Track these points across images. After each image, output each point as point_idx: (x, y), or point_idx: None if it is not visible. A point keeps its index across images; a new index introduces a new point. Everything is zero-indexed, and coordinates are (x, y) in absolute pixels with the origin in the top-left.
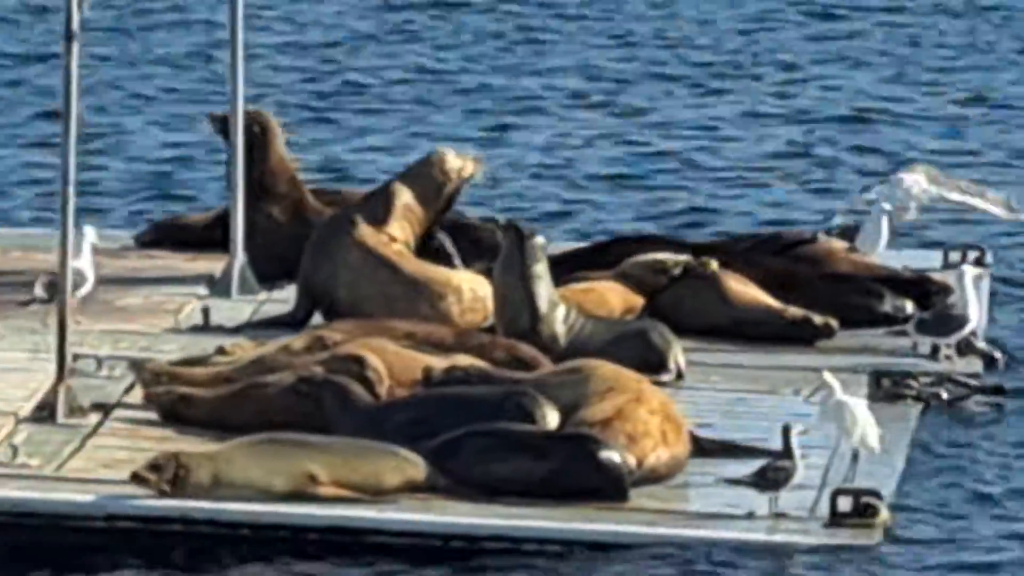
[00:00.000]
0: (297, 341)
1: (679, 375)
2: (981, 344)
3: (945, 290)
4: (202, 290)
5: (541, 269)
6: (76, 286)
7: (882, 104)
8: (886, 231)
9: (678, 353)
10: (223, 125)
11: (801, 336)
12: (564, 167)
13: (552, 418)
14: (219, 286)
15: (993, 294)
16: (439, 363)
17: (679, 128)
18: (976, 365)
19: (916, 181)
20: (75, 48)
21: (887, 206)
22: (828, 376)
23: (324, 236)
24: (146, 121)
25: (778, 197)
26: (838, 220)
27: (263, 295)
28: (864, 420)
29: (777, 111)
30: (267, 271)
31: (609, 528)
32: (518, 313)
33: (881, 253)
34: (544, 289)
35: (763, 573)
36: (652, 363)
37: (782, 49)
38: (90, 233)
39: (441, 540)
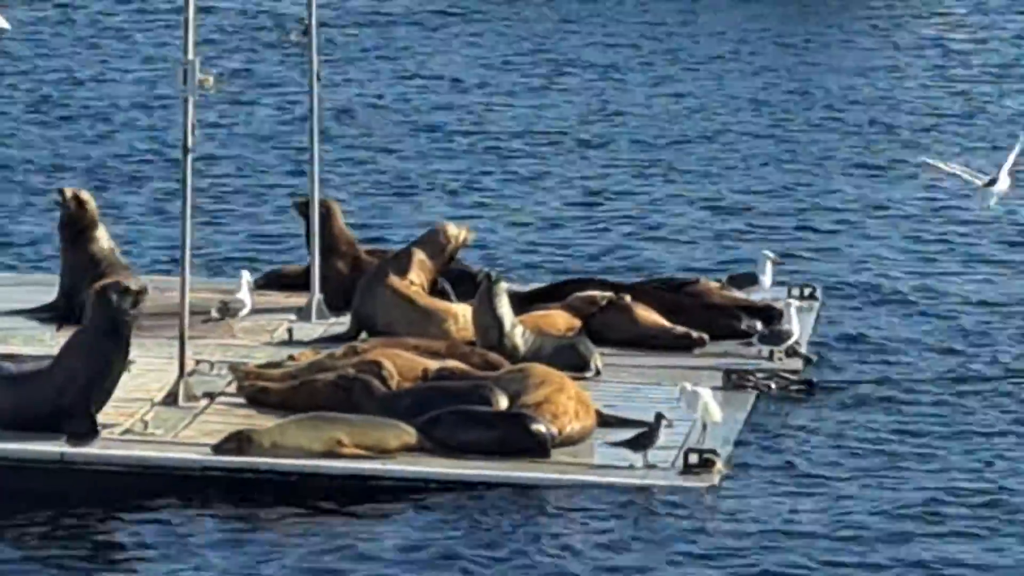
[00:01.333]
0: (339, 351)
1: (597, 372)
2: (803, 351)
3: (779, 314)
4: (292, 317)
5: (503, 301)
6: (238, 311)
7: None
8: (769, 275)
9: (597, 359)
10: (303, 208)
11: (683, 346)
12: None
13: (504, 402)
14: (303, 314)
15: (818, 317)
16: (434, 365)
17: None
18: (798, 364)
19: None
20: (189, 159)
21: (769, 254)
22: (685, 383)
23: (367, 281)
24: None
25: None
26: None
27: (332, 320)
28: (709, 402)
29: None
30: (335, 305)
31: (535, 475)
32: (490, 332)
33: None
34: (507, 316)
35: (639, 505)
36: (580, 365)
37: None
38: (246, 274)
39: (424, 483)
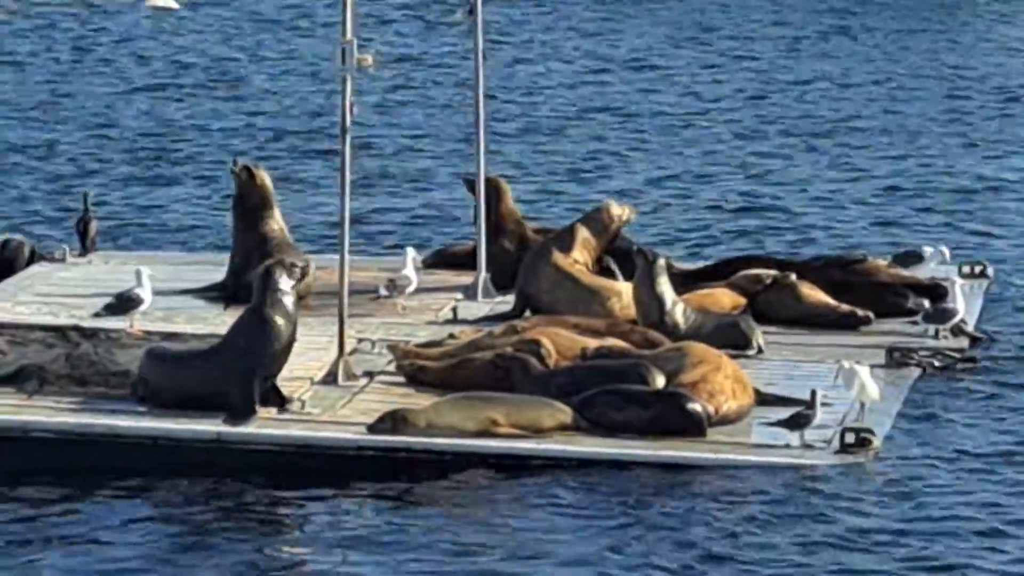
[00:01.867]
0: (498, 329)
1: (759, 351)
2: (969, 329)
3: (945, 292)
4: (458, 295)
5: (664, 279)
6: (404, 288)
7: None
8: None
9: (759, 336)
10: (471, 187)
11: (849, 324)
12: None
13: (660, 381)
14: (469, 293)
15: (989, 294)
16: (593, 344)
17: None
18: (964, 343)
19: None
20: (348, 137)
21: (944, 250)
22: (843, 361)
23: (531, 260)
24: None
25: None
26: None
27: (498, 298)
28: (867, 381)
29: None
30: (503, 283)
31: (690, 454)
32: (650, 310)
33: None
34: (668, 293)
35: (795, 483)
36: (741, 344)
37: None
38: (411, 251)
39: (578, 463)
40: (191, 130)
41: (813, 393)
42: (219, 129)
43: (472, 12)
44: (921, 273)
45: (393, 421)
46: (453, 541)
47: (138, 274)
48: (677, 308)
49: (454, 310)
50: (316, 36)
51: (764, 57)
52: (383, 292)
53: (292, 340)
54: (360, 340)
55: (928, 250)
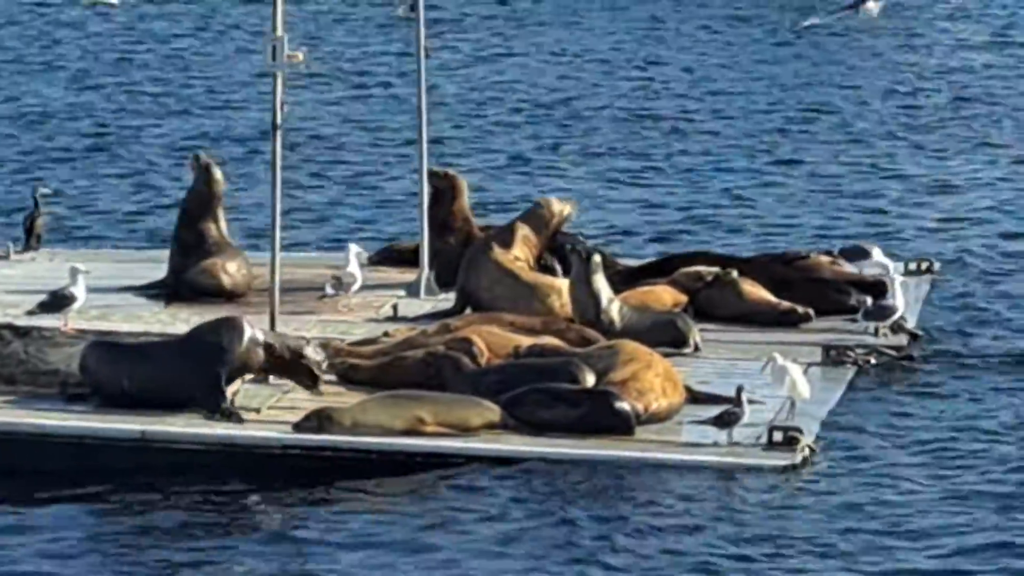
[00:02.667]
0: (431, 327)
1: (696, 348)
2: (909, 326)
3: (885, 289)
4: (401, 293)
5: (599, 277)
6: (350, 286)
7: None
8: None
9: (696, 334)
10: (435, 180)
11: (789, 322)
12: None
13: (590, 379)
14: (412, 290)
15: (934, 291)
16: (526, 342)
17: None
18: (903, 340)
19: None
20: (279, 135)
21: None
22: (775, 354)
23: (471, 257)
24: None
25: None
26: None
27: (442, 296)
28: (797, 378)
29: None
30: (447, 280)
31: (616, 453)
32: (586, 308)
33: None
34: (604, 291)
35: (721, 484)
36: (678, 341)
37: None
38: (354, 248)
39: (504, 461)
40: (135, 127)
41: (739, 391)
42: (162, 126)
43: (414, 8)
44: (868, 269)
45: (319, 420)
46: (377, 540)
47: (72, 272)
48: (613, 306)
49: (395, 307)
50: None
51: (715, 54)
52: (329, 290)
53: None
54: (306, 340)
55: (874, 247)
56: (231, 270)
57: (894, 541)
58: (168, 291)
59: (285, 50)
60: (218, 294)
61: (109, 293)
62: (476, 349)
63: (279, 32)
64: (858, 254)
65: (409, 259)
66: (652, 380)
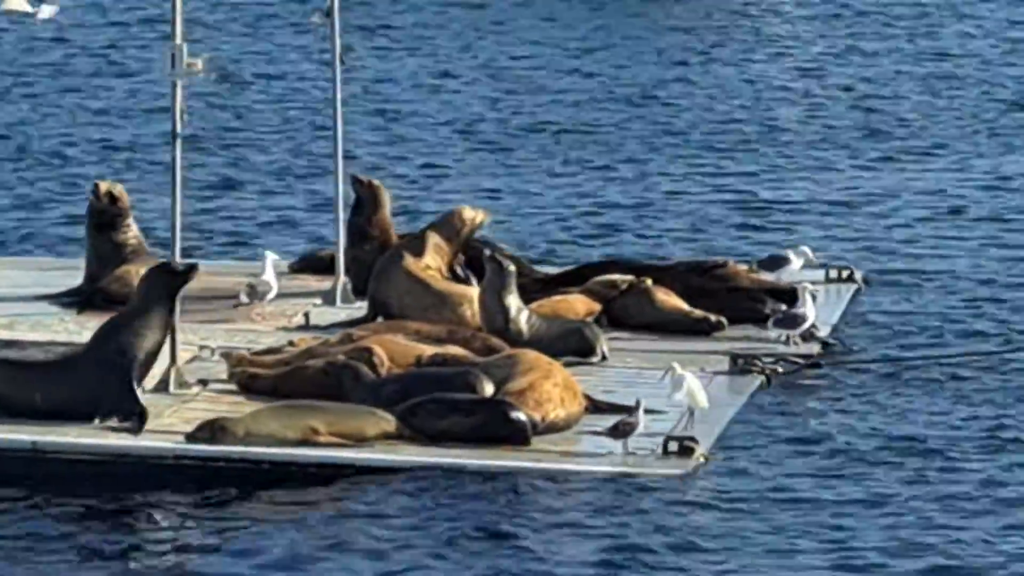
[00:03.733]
0: (334, 337)
1: (604, 357)
2: (821, 334)
3: (796, 298)
4: (317, 301)
5: (511, 287)
6: (264, 294)
7: None
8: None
9: (603, 343)
10: (358, 186)
11: (702, 330)
12: None
13: (488, 389)
14: (328, 298)
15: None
16: (429, 351)
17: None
18: (815, 348)
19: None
20: (179, 144)
21: (806, 251)
22: (674, 363)
23: (382, 265)
24: None
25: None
26: None
27: (357, 304)
28: (694, 387)
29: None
30: (363, 289)
31: (509, 463)
32: (494, 317)
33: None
34: (513, 301)
35: (613, 494)
36: (585, 350)
37: None
38: (271, 255)
39: (398, 472)
40: (45, 135)
41: (637, 402)
42: (75, 137)
43: (329, 14)
44: (787, 277)
45: (211, 430)
46: (265, 550)
47: None
48: (521, 316)
49: (306, 316)
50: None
51: (634, 61)
52: (243, 298)
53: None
54: (201, 347)
55: (792, 254)
56: None
57: (786, 546)
58: (83, 299)
59: (184, 58)
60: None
61: (23, 302)
62: (376, 359)
63: (178, 39)
64: (778, 262)
65: (329, 267)
66: (550, 390)
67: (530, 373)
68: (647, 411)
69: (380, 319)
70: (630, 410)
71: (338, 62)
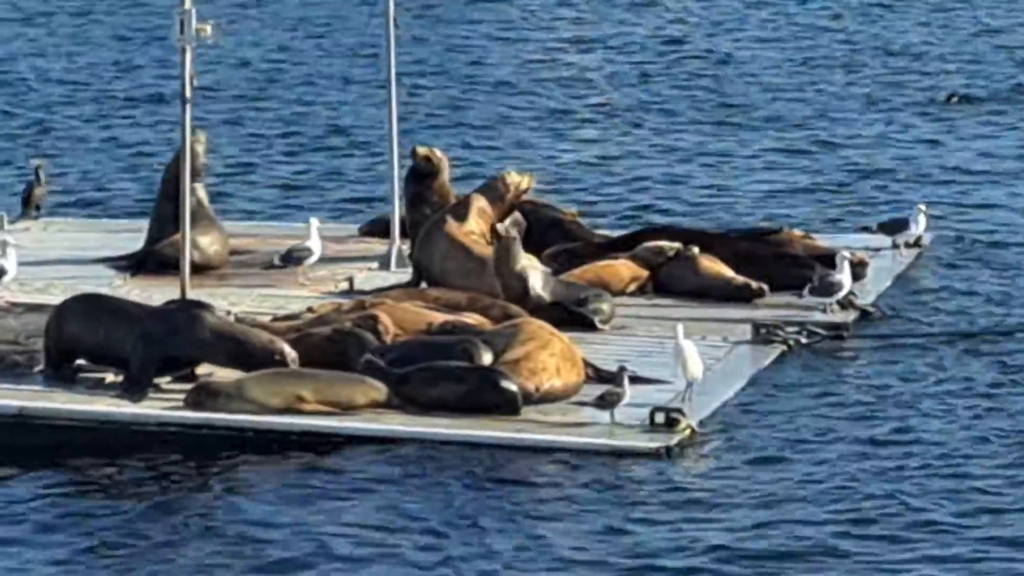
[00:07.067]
0: (346, 304)
1: (595, 327)
2: (859, 302)
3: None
4: (373, 265)
5: (519, 254)
6: (303, 259)
7: None
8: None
9: (609, 310)
10: (416, 158)
11: (743, 297)
12: None
13: (486, 358)
14: (384, 262)
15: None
16: (440, 319)
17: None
18: (850, 316)
19: None
20: (188, 108)
21: (921, 207)
22: (678, 327)
23: (427, 230)
24: None
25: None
26: None
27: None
28: (690, 358)
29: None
30: None
31: (489, 433)
32: (512, 286)
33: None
34: (527, 267)
35: (596, 465)
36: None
37: None
38: (315, 221)
39: (381, 441)
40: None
41: (621, 370)
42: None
43: None
44: (903, 239)
45: (198, 395)
46: (245, 517)
47: (3, 244)
48: (538, 282)
49: (350, 280)
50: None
51: (680, 29)
52: (277, 262)
53: None
54: (228, 312)
55: (912, 218)
56: (202, 244)
57: (766, 519)
58: (135, 262)
59: (193, 23)
60: None
61: (81, 264)
62: (381, 326)
63: (188, 4)
64: (898, 226)
65: (401, 232)
66: (546, 360)
67: (529, 343)
68: (651, 381)
69: (424, 284)
70: (617, 381)
71: (392, 31)
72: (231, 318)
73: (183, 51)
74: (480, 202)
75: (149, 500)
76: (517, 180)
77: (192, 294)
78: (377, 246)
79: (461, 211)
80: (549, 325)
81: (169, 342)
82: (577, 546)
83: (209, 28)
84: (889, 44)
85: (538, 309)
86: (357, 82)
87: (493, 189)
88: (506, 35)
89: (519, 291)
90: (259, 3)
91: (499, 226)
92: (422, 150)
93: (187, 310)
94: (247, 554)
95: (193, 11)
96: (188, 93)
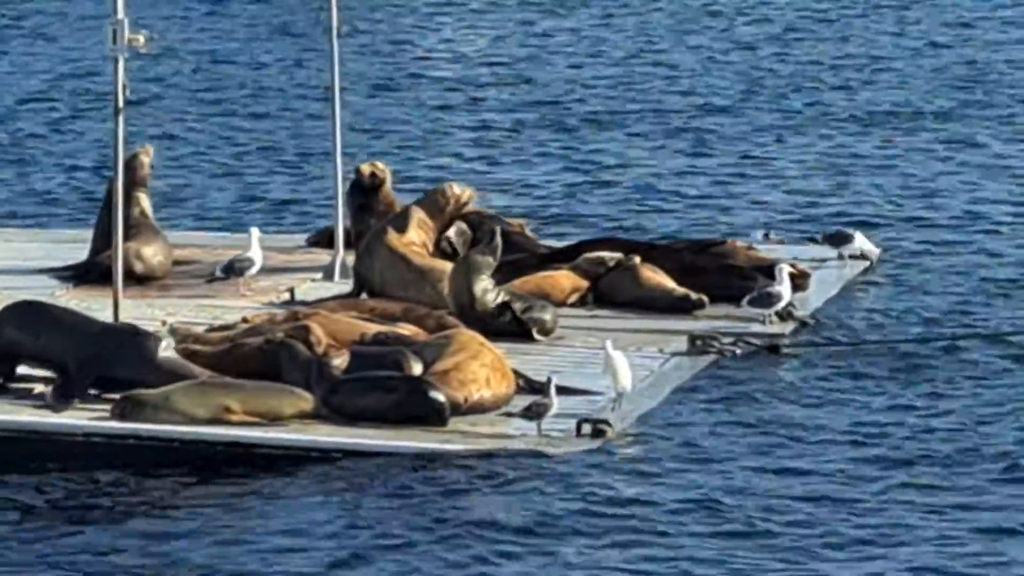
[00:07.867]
0: (280, 315)
1: (532, 337)
2: (798, 313)
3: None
4: (317, 276)
5: (483, 275)
6: (244, 270)
7: None
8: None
9: (550, 321)
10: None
11: (683, 308)
12: None
13: (416, 369)
14: (328, 273)
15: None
16: (373, 330)
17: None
18: (787, 328)
19: None
20: (121, 119)
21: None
22: (607, 342)
23: (367, 240)
24: None
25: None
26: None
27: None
28: (619, 368)
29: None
30: None
31: (415, 444)
32: (460, 294)
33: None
34: (481, 280)
35: (529, 474)
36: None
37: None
38: (255, 232)
39: (307, 452)
40: None
41: (548, 381)
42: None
43: None
44: (849, 252)
45: (124, 406)
46: (165, 530)
47: None
48: (488, 295)
49: (291, 291)
50: None
51: (647, 40)
52: (219, 274)
53: None
54: (164, 323)
55: (856, 232)
56: (145, 255)
57: (677, 527)
58: (80, 272)
59: (126, 33)
60: (128, 279)
61: (24, 275)
62: (313, 337)
63: (120, 14)
64: (841, 239)
65: (346, 242)
66: (476, 371)
67: (459, 353)
68: (584, 393)
69: (364, 295)
70: (544, 391)
71: (334, 33)
72: (166, 328)
73: (116, 61)
74: (420, 214)
75: (74, 511)
76: (458, 192)
77: (132, 304)
78: (324, 257)
79: (401, 222)
80: (480, 336)
81: (113, 361)
82: (503, 552)
83: (142, 38)
84: (834, 61)
85: (483, 313)
86: (301, 92)
87: (433, 201)
88: (449, 48)
89: (466, 301)
90: (208, 14)
91: (454, 238)
92: (365, 167)
93: (135, 334)
94: (171, 565)
95: (126, 21)
96: (121, 103)
